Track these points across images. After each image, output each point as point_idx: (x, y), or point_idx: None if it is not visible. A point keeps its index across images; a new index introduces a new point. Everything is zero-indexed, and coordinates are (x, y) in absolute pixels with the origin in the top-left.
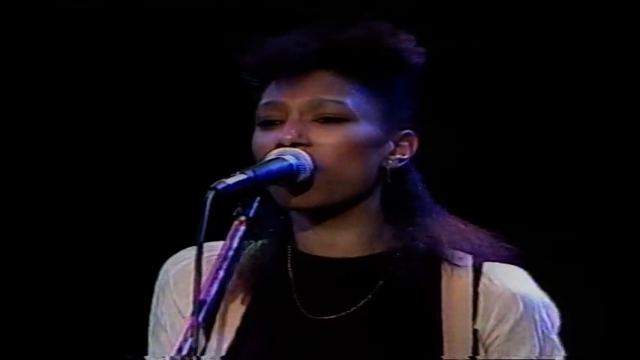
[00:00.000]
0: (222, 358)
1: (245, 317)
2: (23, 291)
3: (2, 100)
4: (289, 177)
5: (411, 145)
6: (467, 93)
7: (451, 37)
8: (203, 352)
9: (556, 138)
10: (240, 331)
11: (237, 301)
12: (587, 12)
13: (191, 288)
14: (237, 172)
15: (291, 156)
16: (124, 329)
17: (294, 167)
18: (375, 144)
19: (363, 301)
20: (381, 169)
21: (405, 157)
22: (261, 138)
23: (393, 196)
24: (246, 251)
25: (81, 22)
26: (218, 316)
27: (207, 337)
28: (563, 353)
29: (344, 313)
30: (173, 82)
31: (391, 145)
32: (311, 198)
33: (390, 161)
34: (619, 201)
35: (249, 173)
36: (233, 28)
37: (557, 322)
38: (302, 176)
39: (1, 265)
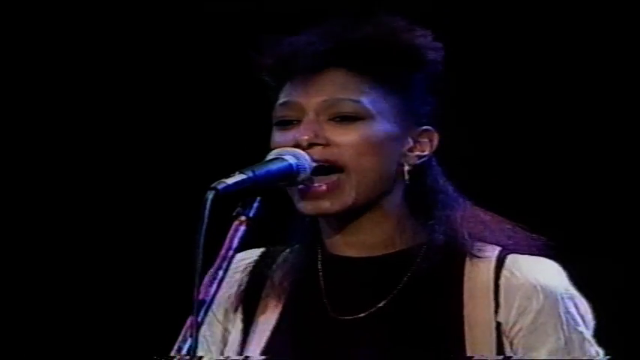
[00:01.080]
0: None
1: (279, 320)
2: (23, 291)
3: (2, 100)
4: (289, 177)
5: (430, 141)
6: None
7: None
8: (242, 352)
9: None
10: (274, 334)
11: (273, 305)
12: (602, 13)
13: (231, 289)
14: (237, 172)
15: (291, 156)
16: (124, 329)
17: (294, 167)
18: (393, 141)
19: (387, 299)
20: (401, 165)
21: (425, 153)
22: (279, 138)
23: (414, 192)
24: (280, 257)
25: (81, 22)
26: (258, 313)
27: (247, 332)
28: (596, 348)
29: (369, 312)
30: (173, 82)
31: (410, 141)
32: (335, 203)
33: (409, 158)
34: None
35: (249, 173)
36: (239, 27)
37: (588, 315)
38: (302, 176)
39: (1, 265)
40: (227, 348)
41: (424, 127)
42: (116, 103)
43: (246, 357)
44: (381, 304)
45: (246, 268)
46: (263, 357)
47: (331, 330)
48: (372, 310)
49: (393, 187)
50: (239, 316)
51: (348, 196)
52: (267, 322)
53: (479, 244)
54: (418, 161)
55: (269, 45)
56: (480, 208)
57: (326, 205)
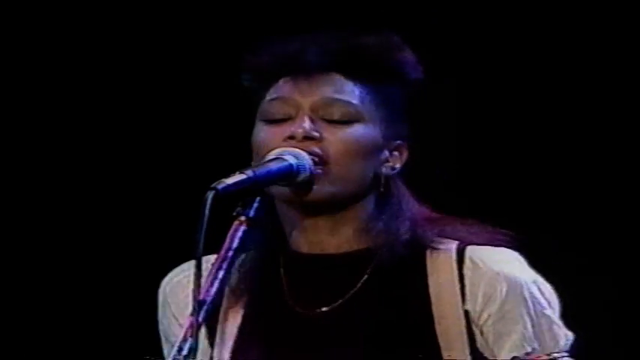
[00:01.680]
0: None
1: (243, 320)
2: (23, 291)
3: (2, 100)
4: (289, 177)
5: (401, 155)
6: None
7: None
8: (211, 358)
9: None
10: (239, 334)
11: (237, 305)
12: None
13: (188, 299)
14: (237, 172)
15: (291, 156)
16: (124, 329)
17: (294, 167)
18: (376, 148)
19: (351, 292)
20: (376, 174)
21: (397, 166)
22: (266, 133)
23: (382, 200)
24: (242, 257)
25: (80, 22)
26: (220, 320)
27: (212, 342)
28: (565, 330)
29: (333, 306)
30: (173, 82)
31: (386, 153)
32: (317, 192)
33: (384, 168)
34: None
35: (249, 173)
36: (234, 29)
37: (554, 298)
38: (302, 176)
39: (1, 265)
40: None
41: (399, 142)
42: (116, 104)
43: None
44: (344, 299)
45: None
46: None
47: (296, 324)
48: (336, 305)
49: (368, 192)
50: (202, 330)
51: (327, 188)
52: (230, 326)
53: (438, 238)
54: (391, 172)
55: (264, 43)
56: (438, 212)
57: (313, 191)
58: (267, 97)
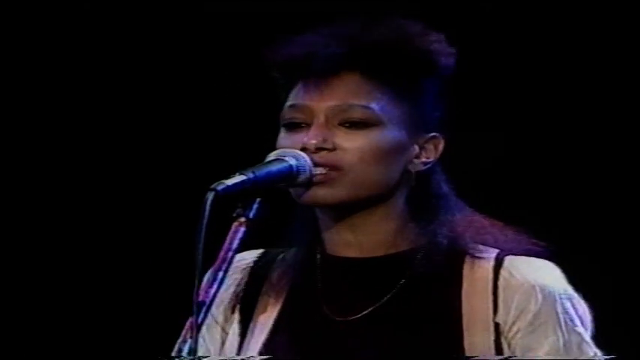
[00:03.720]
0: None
1: (276, 322)
2: (23, 291)
3: (2, 100)
4: (289, 178)
5: (436, 147)
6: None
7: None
8: (239, 354)
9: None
10: (271, 335)
11: (271, 306)
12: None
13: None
14: (237, 173)
15: (291, 157)
16: (124, 330)
17: (294, 168)
18: (399, 149)
19: (385, 299)
20: (406, 172)
21: (430, 160)
22: (286, 140)
23: (417, 197)
24: (278, 258)
25: (81, 21)
26: (254, 319)
27: (244, 332)
28: (594, 349)
29: (366, 312)
30: (174, 83)
31: (416, 148)
32: (329, 194)
33: (414, 165)
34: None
35: (249, 174)
36: (241, 28)
37: (586, 316)
38: (302, 177)
39: (1, 265)
40: (225, 349)
41: (431, 134)
42: (117, 104)
43: (250, 357)
44: (377, 305)
45: (244, 268)
46: (266, 357)
47: (328, 331)
48: (368, 311)
49: (396, 192)
50: (236, 317)
51: (342, 191)
52: (265, 322)
53: (478, 246)
54: (423, 167)
55: (282, 44)
56: (479, 214)
57: (321, 193)
58: (287, 103)
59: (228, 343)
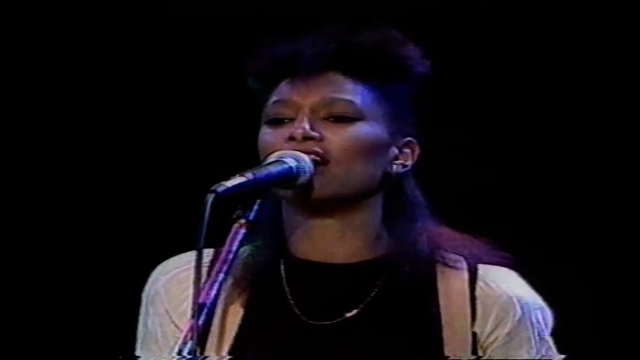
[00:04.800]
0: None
1: (243, 323)
2: (23, 291)
3: (2, 100)
4: (289, 179)
5: (412, 152)
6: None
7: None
8: (202, 350)
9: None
10: (238, 337)
11: (234, 307)
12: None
13: (184, 295)
14: (237, 175)
15: (292, 159)
16: (124, 331)
17: (294, 170)
18: (382, 145)
19: (361, 306)
20: (385, 173)
21: (408, 163)
22: (270, 136)
23: (393, 202)
24: (240, 254)
25: (81, 22)
26: (215, 322)
27: (204, 342)
28: (557, 355)
29: (342, 318)
30: (174, 84)
31: (395, 150)
32: (320, 190)
33: (394, 166)
34: (609, 201)
35: (249, 176)
36: (237, 30)
37: (551, 324)
38: (302, 179)
39: (0, 265)
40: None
41: (408, 138)
42: (117, 105)
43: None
44: (353, 312)
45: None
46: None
47: (303, 334)
48: (345, 317)
49: (376, 193)
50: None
51: (329, 187)
52: (230, 321)
53: (448, 254)
54: (401, 170)
55: (266, 46)
56: (445, 226)
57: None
58: (269, 100)
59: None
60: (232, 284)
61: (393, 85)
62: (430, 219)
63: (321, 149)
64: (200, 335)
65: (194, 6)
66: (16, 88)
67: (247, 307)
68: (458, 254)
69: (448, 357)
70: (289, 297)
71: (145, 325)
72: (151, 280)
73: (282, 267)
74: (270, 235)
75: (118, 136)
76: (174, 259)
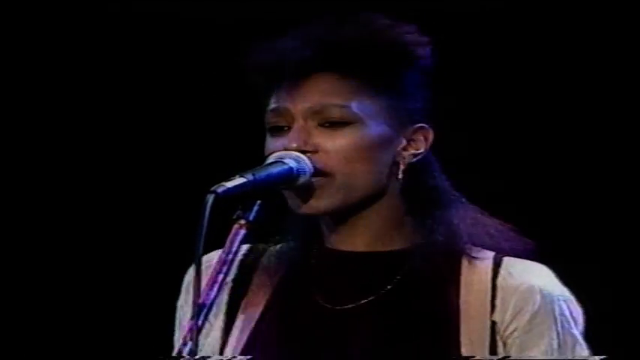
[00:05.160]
0: (241, 350)
1: (263, 312)
2: (23, 291)
3: (2, 100)
4: (289, 180)
5: (425, 138)
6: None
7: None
8: (224, 345)
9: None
10: (258, 324)
11: (259, 297)
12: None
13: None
14: (237, 176)
15: (291, 159)
16: (124, 332)
17: (294, 170)
18: (383, 144)
19: (380, 292)
20: (395, 165)
21: (420, 151)
22: (271, 144)
23: (411, 191)
24: (267, 253)
25: (81, 21)
26: (239, 313)
27: (228, 331)
28: (587, 351)
29: (361, 303)
30: (174, 84)
31: (403, 140)
32: (321, 204)
33: (403, 157)
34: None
35: (249, 177)
36: (235, 31)
37: (580, 318)
38: (302, 179)
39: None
40: (207, 341)
41: (418, 125)
42: (117, 105)
43: (250, 358)
44: (373, 298)
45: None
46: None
47: (318, 317)
48: (363, 302)
49: (388, 187)
50: (222, 309)
51: (334, 198)
52: (251, 315)
53: (475, 247)
54: (413, 159)
55: (255, 51)
56: (475, 208)
57: (314, 204)
58: (268, 107)
59: (210, 337)
60: (262, 277)
61: (391, 75)
62: (455, 204)
63: (320, 162)
64: (227, 320)
65: (196, 6)
66: (15, 89)
67: (271, 298)
68: (484, 245)
69: (460, 344)
70: (312, 283)
71: (182, 307)
72: (189, 270)
73: (313, 257)
74: (304, 229)
75: (119, 137)
76: (216, 251)
